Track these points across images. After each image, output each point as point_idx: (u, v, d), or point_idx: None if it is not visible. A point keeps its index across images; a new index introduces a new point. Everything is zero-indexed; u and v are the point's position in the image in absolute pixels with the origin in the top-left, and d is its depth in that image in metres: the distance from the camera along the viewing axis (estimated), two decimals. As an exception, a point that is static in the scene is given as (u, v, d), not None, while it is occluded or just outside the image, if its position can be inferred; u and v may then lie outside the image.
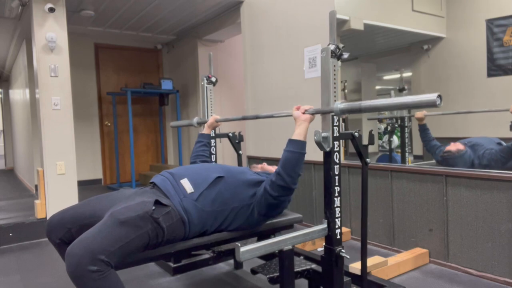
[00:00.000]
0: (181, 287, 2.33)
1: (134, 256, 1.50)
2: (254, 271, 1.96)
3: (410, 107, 1.43)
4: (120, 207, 1.50)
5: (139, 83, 5.96)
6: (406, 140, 3.80)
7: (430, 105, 1.32)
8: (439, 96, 1.29)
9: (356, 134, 1.82)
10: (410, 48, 4.14)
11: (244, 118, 2.49)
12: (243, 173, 1.86)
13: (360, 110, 1.57)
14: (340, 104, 1.60)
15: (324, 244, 1.77)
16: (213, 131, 2.89)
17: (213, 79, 2.88)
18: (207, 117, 2.89)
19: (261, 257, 2.25)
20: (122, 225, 1.41)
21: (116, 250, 1.36)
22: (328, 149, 1.69)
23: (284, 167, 1.68)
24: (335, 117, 1.72)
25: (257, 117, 2.27)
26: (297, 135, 1.72)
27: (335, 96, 1.69)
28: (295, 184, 1.72)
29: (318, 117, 1.74)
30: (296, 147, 1.69)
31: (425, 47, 3.93)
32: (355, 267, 2.15)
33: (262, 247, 1.60)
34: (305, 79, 3.46)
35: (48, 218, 1.67)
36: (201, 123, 2.80)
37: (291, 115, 1.82)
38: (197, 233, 1.71)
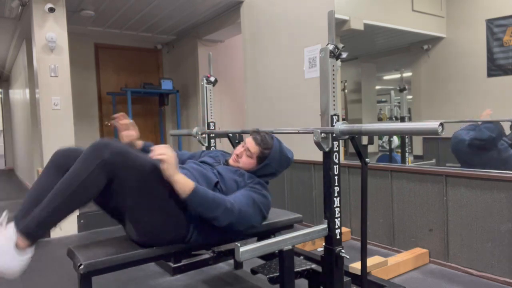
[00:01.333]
0: (181, 287, 2.33)
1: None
2: (254, 271, 1.96)
3: (411, 133, 1.43)
4: None
5: (139, 83, 5.96)
6: (406, 140, 3.81)
7: (432, 133, 1.29)
8: (441, 124, 1.27)
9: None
10: (410, 48, 4.14)
11: (243, 132, 2.56)
12: (235, 181, 1.77)
13: (360, 133, 1.57)
14: (341, 125, 1.59)
15: (324, 244, 1.77)
16: (213, 126, 2.89)
17: (212, 79, 2.88)
18: (207, 118, 2.89)
19: (261, 257, 2.25)
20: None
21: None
22: (327, 149, 1.69)
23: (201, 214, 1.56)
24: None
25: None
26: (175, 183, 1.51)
27: (334, 96, 1.69)
28: (224, 221, 1.55)
29: (318, 117, 1.74)
30: (184, 193, 1.49)
31: (425, 47, 3.93)
32: (355, 267, 2.15)
33: (262, 247, 1.60)
34: (305, 79, 3.46)
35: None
36: (203, 133, 2.82)
37: (291, 133, 1.82)
38: (199, 242, 1.71)
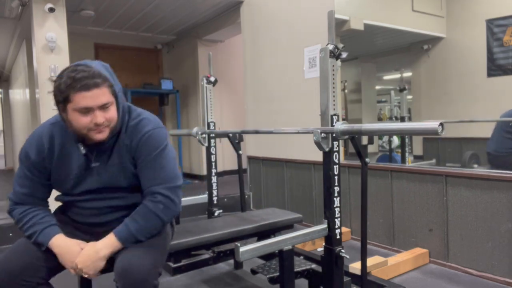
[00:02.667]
0: (181, 287, 2.33)
1: None
2: (254, 271, 1.96)
3: (411, 133, 1.43)
4: None
5: (139, 83, 5.96)
6: (406, 140, 3.81)
7: (432, 133, 1.29)
8: (441, 124, 1.27)
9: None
10: (410, 48, 4.15)
11: (243, 132, 2.56)
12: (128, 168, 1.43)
13: (360, 133, 1.57)
14: (341, 125, 1.59)
15: (324, 244, 1.77)
16: (213, 126, 2.89)
17: (212, 79, 2.89)
18: (207, 118, 2.89)
19: (261, 257, 2.25)
20: (161, 237, 1.39)
21: (165, 260, 1.39)
22: (327, 149, 1.69)
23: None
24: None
25: (256, 132, 2.31)
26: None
27: (334, 96, 1.69)
28: (176, 210, 1.40)
29: (318, 117, 1.74)
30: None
31: (425, 47, 3.93)
32: (355, 267, 2.15)
33: (262, 247, 1.60)
34: (305, 79, 3.46)
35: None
36: (203, 133, 2.81)
37: (291, 133, 1.79)
38: None
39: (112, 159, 1.37)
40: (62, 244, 1.30)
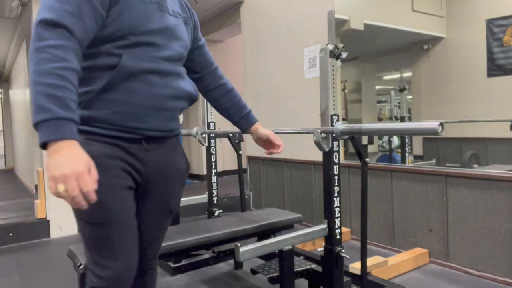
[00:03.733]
0: (181, 287, 2.34)
1: None
2: (254, 271, 1.97)
3: (411, 133, 1.44)
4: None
5: (139, 83, 5.95)
6: (406, 140, 3.81)
7: (432, 133, 1.30)
8: (441, 124, 1.28)
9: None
10: (410, 48, 4.15)
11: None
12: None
13: (360, 133, 1.58)
14: (341, 125, 1.59)
15: (324, 244, 1.77)
16: (213, 126, 2.89)
17: (213, 79, 2.88)
18: (207, 118, 2.89)
19: (261, 257, 2.25)
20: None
21: None
22: (327, 149, 1.69)
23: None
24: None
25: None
26: None
27: (334, 96, 1.69)
28: None
29: (318, 117, 1.74)
30: None
31: (425, 47, 3.93)
32: (355, 267, 2.15)
33: (262, 247, 1.60)
34: (305, 79, 3.46)
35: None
36: (203, 133, 2.81)
37: (291, 132, 1.80)
38: None
39: (185, 12, 1.20)
40: (70, 152, 0.87)
